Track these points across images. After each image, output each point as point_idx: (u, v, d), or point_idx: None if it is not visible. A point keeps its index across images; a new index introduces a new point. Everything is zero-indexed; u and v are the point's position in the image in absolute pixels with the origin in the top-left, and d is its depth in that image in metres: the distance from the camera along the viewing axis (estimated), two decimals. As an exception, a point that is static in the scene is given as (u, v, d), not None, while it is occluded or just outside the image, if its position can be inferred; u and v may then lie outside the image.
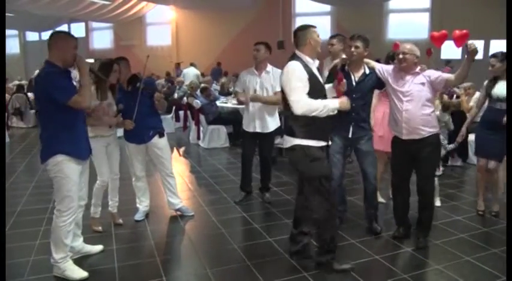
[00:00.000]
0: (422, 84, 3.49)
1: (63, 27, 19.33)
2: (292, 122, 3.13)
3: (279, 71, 4.65)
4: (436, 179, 4.55)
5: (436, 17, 13.35)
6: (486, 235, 3.96)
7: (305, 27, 3.20)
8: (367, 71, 3.72)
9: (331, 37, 4.64)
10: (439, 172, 4.60)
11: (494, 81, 4.22)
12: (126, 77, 4.11)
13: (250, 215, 4.47)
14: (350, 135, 3.73)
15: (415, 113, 3.48)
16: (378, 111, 4.50)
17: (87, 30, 20.69)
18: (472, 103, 6.17)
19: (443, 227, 4.09)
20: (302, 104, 3.03)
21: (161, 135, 4.25)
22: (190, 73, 12.58)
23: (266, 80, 4.60)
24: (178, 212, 4.47)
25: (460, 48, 9.19)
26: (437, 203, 4.64)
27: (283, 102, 3.22)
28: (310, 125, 3.07)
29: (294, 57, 3.17)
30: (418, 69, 3.53)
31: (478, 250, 3.62)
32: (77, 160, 3.09)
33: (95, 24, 20.44)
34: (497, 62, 4.14)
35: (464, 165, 6.50)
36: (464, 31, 7.25)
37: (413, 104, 3.48)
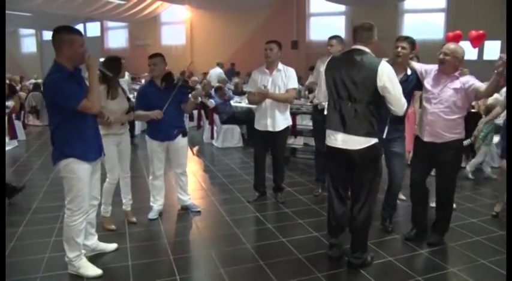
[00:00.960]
0: (456, 90, 3.39)
1: (79, 27, 19.51)
2: (373, 122, 3.05)
3: (291, 69, 4.71)
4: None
5: (452, 17, 13.20)
6: (502, 238, 3.89)
7: (373, 26, 3.13)
8: (409, 72, 3.66)
9: (331, 38, 4.67)
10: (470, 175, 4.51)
11: None
12: (160, 74, 4.16)
13: (263, 215, 4.47)
14: (384, 136, 3.62)
15: (441, 117, 3.41)
16: None
17: (102, 29, 20.89)
18: (490, 101, 6.07)
19: (459, 229, 4.04)
20: (404, 104, 3.10)
21: (184, 134, 4.33)
22: (213, 74, 12.65)
23: (277, 78, 4.60)
24: (185, 209, 4.57)
25: (476, 49, 9.10)
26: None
27: (363, 100, 3.03)
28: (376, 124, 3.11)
29: (364, 53, 3.05)
30: (457, 73, 3.42)
31: (494, 253, 3.57)
32: (88, 161, 3.08)
33: (110, 24, 20.63)
34: None
35: (480, 167, 6.40)
36: (481, 32, 7.16)
37: (441, 108, 3.41)
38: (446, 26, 13.23)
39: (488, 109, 5.33)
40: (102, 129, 3.66)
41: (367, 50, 3.09)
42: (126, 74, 13.35)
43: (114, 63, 3.80)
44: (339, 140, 3.08)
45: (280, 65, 4.65)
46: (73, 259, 3.13)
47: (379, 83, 2.96)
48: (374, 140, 3.07)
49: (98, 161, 3.28)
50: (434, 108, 3.43)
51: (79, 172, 3.01)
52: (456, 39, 7.99)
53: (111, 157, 3.86)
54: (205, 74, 13.80)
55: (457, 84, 3.40)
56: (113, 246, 3.61)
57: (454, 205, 4.57)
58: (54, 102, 2.88)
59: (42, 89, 3.71)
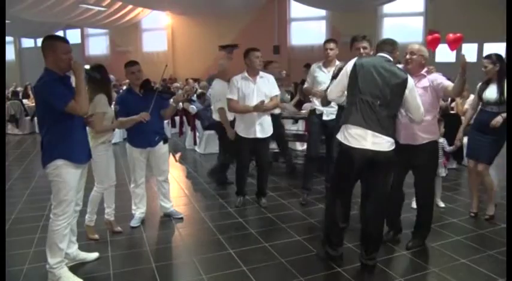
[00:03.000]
0: (425, 88, 3.43)
1: (59, 34, 19.32)
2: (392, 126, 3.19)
3: (271, 76, 4.72)
4: (440, 180, 4.58)
5: (430, 21, 13.42)
6: (482, 237, 3.97)
7: (396, 43, 3.30)
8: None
9: (329, 41, 4.68)
10: (444, 173, 4.60)
11: (486, 84, 4.24)
12: (136, 82, 4.14)
13: (246, 221, 4.46)
14: None
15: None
16: None
17: (83, 36, 20.67)
18: (466, 106, 6.21)
19: (439, 229, 4.09)
20: (423, 112, 3.25)
21: (165, 141, 4.32)
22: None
23: (262, 86, 4.60)
24: (168, 216, 4.54)
25: (455, 52, 9.26)
26: (441, 204, 4.69)
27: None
28: None
29: (391, 61, 3.19)
30: (424, 71, 3.48)
31: (474, 252, 3.63)
32: (76, 165, 3.10)
33: (90, 31, 20.43)
34: (490, 63, 4.14)
35: (460, 167, 6.52)
36: (458, 35, 7.31)
37: (408, 114, 3.39)
38: (425, 29, 13.45)
39: (464, 114, 5.41)
40: (99, 137, 3.71)
41: (392, 59, 3.21)
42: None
43: (102, 70, 3.79)
44: (369, 141, 3.03)
45: (261, 72, 4.67)
46: (54, 265, 3.08)
47: (407, 91, 3.10)
48: (394, 144, 3.15)
49: (86, 166, 3.28)
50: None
51: (67, 176, 3.03)
52: (435, 42, 8.15)
53: (102, 165, 3.83)
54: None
55: (425, 82, 3.45)
56: (93, 255, 3.56)
57: (443, 204, 4.67)
58: (45, 104, 2.94)
59: (33, 94, 3.73)
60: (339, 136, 3.18)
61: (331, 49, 4.59)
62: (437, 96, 3.50)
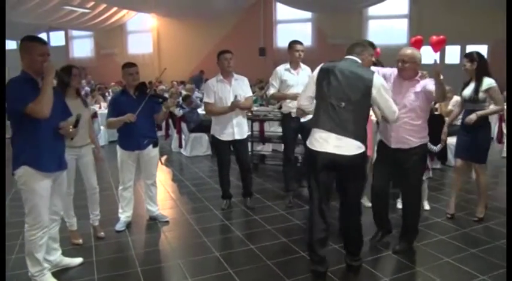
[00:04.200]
0: (417, 94, 3.41)
1: (42, 36, 19.05)
2: (364, 127, 3.13)
3: (245, 78, 4.75)
4: (426, 182, 4.61)
5: (415, 23, 13.59)
6: (465, 236, 4.02)
7: (368, 45, 3.27)
8: None
9: (298, 43, 4.73)
10: (429, 174, 4.64)
11: (467, 83, 4.30)
12: (133, 83, 4.12)
13: (232, 223, 4.46)
14: None
15: (406, 122, 3.43)
16: None
17: (67, 38, 20.51)
18: (450, 107, 6.28)
19: (424, 229, 4.12)
20: (395, 111, 3.18)
21: (155, 145, 4.30)
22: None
23: (237, 87, 4.63)
24: (153, 219, 4.51)
25: (438, 53, 9.36)
26: (426, 206, 4.71)
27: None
28: None
29: (357, 62, 3.14)
30: (418, 76, 3.45)
31: (457, 251, 3.68)
32: (44, 173, 2.93)
33: (75, 33, 20.28)
34: (467, 62, 4.20)
35: (444, 167, 6.60)
36: (441, 37, 7.37)
37: (405, 113, 3.42)
38: (409, 31, 13.61)
39: (448, 115, 5.48)
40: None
41: (359, 60, 3.16)
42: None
43: (63, 72, 3.67)
44: (331, 144, 2.99)
45: (235, 75, 4.70)
46: (35, 273, 3.03)
47: (373, 91, 3.01)
48: (364, 148, 3.07)
49: (59, 174, 3.14)
50: (399, 115, 3.43)
51: (33, 184, 2.90)
52: (418, 44, 8.22)
53: (68, 170, 3.71)
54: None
55: (417, 88, 3.43)
56: (77, 260, 3.51)
57: (428, 207, 4.69)
58: (7, 104, 2.79)
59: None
60: (307, 141, 3.18)
61: (302, 51, 4.65)
62: (427, 100, 3.48)
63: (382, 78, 3.13)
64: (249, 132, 4.87)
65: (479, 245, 3.78)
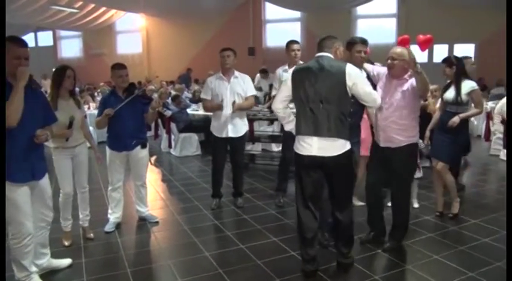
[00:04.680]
0: (404, 92, 3.41)
1: (30, 36, 18.93)
2: (346, 124, 3.10)
3: (247, 76, 4.73)
4: (416, 181, 4.64)
5: (403, 22, 13.68)
6: (453, 234, 4.06)
7: (335, 37, 3.22)
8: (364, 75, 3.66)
9: (294, 43, 4.72)
10: (419, 174, 4.66)
11: (448, 86, 4.35)
12: (123, 86, 4.11)
13: (222, 223, 4.45)
14: None
15: (393, 121, 3.44)
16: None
17: (55, 38, 20.33)
18: (438, 105, 6.33)
19: (413, 227, 4.15)
20: (377, 97, 3.21)
21: (144, 146, 4.27)
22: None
23: (236, 85, 4.63)
24: (143, 220, 4.50)
25: (426, 52, 9.44)
26: (415, 204, 4.73)
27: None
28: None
29: (328, 58, 3.11)
30: (407, 75, 3.44)
31: (446, 248, 3.71)
32: (15, 184, 2.80)
33: (63, 33, 20.12)
34: (446, 67, 4.29)
35: (432, 166, 6.62)
36: (428, 36, 7.44)
37: (392, 112, 3.43)
38: (398, 30, 13.69)
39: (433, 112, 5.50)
40: (52, 142, 3.55)
41: (331, 55, 3.14)
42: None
43: (55, 73, 3.68)
44: (314, 147, 3.03)
45: (236, 72, 4.69)
46: (22, 278, 3.00)
47: (349, 83, 3.00)
48: (349, 145, 3.09)
49: (36, 184, 2.99)
50: (386, 113, 3.46)
51: (8, 195, 2.77)
52: (405, 43, 8.28)
53: (62, 171, 3.73)
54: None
55: (405, 86, 3.43)
56: (66, 262, 3.47)
57: (417, 205, 4.71)
58: None
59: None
60: (294, 145, 3.20)
61: (298, 50, 4.66)
62: (415, 99, 3.47)
63: (355, 67, 3.12)
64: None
65: (467, 242, 3.82)
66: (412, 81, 3.42)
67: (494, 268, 3.33)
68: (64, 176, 3.78)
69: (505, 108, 7.16)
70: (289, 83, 3.18)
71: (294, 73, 3.18)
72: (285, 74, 4.67)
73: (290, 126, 3.31)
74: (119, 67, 4.11)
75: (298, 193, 3.26)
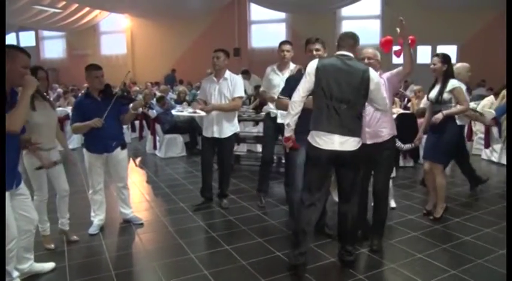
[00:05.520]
0: (384, 87, 3.46)
1: (11, 36, 18.64)
2: (360, 123, 3.25)
3: (238, 77, 4.74)
4: (390, 181, 4.67)
5: (387, 23, 13.81)
6: (437, 232, 4.11)
7: (357, 36, 3.31)
8: None
9: (285, 43, 4.70)
10: (393, 174, 4.70)
11: (433, 86, 4.40)
12: (99, 87, 4.04)
13: (207, 224, 4.44)
14: None
15: (377, 115, 3.54)
16: None
17: (38, 39, 20.05)
18: (422, 105, 6.41)
19: (397, 226, 4.21)
20: (387, 102, 3.41)
21: (123, 147, 4.23)
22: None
23: (224, 87, 4.64)
24: (128, 222, 4.45)
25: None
26: (393, 204, 4.76)
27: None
28: None
29: (351, 58, 3.21)
30: (378, 73, 3.51)
31: (429, 246, 3.75)
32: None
33: (46, 33, 19.85)
34: (439, 62, 4.29)
35: (416, 165, 6.72)
36: (411, 37, 7.52)
37: (375, 107, 3.45)
38: (382, 31, 13.83)
39: (419, 113, 5.57)
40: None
41: (352, 55, 3.22)
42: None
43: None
44: (336, 142, 3.11)
45: (227, 73, 4.69)
46: None
47: (372, 87, 3.14)
48: (361, 141, 3.23)
49: (16, 191, 2.91)
50: (370, 109, 3.52)
51: None
52: (387, 44, 8.35)
53: (35, 173, 3.61)
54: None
55: (382, 82, 3.50)
56: (49, 266, 3.42)
57: (394, 204, 4.75)
58: None
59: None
60: (309, 138, 3.23)
61: (287, 51, 4.61)
62: (393, 87, 3.67)
63: (375, 72, 3.27)
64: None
65: (450, 240, 3.87)
66: (385, 75, 3.61)
67: (476, 265, 3.39)
68: (40, 180, 3.68)
69: (486, 109, 7.30)
70: (312, 77, 3.19)
71: (318, 68, 3.18)
72: (272, 73, 4.71)
73: (293, 120, 3.32)
74: (95, 68, 4.03)
75: (306, 185, 3.30)
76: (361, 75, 3.12)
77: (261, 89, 4.99)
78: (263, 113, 6.55)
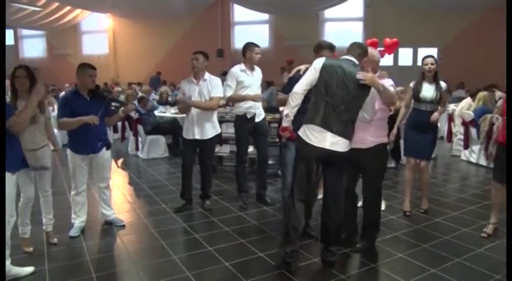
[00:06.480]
0: (372, 92, 3.39)
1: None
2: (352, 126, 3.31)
3: (217, 78, 4.74)
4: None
5: (369, 26, 13.98)
6: (417, 232, 4.17)
7: (367, 50, 3.38)
8: None
9: (256, 46, 4.79)
10: None
11: (421, 83, 4.45)
12: (91, 86, 4.01)
13: (190, 225, 4.42)
14: None
15: (362, 122, 3.43)
16: None
17: (17, 38, 19.70)
18: (403, 107, 6.48)
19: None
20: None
21: (108, 147, 4.22)
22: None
23: (203, 88, 4.64)
24: (109, 223, 4.41)
25: (392, 55, 9.68)
26: (383, 206, 4.80)
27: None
28: None
29: (356, 65, 3.25)
30: (376, 75, 3.44)
31: (410, 246, 3.81)
32: (11, 171, 2.99)
33: (25, 32, 19.52)
34: (434, 64, 4.40)
35: (398, 166, 6.80)
36: (395, 39, 7.61)
37: (361, 112, 3.40)
38: (364, 34, 13.98)
39: (396, 110, 5.60)
40: None
41: (357, 62, 3.27)
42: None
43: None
44: (328, 140, 3.15)
45: (207, 75, 4.69)
46: None
47: (372, 90, 3.22)
48: (350, 144, 3.27)
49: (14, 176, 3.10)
50: (360, 116, 3.43)
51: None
52: (373, 46, 8.44)
53: (23, 176, 3.58)
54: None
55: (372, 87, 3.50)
56: (28, 270, 3.34)
57: (384, 207, 4.77)
58: None
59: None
60: (300, 132, 3.25)
61: (259, 54, 4.76)
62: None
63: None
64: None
65: (430, 240, 3.93)
66: (382, 82, 3.44)
67: (455, 263, 3.46)
68: (25, 180, 3.65)
69: (464, 111, 7.43)
70: (318, 72, 3.22)
71: (325, 65, 3.21)
72: (243, 74, 4.76)
73: (292, 111, 3.34)
74: (90, 67, 4.03)
75: (296, 184, 3.32)
76: (365, 86, 3.19)
77: (229, 92, 4.76)
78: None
